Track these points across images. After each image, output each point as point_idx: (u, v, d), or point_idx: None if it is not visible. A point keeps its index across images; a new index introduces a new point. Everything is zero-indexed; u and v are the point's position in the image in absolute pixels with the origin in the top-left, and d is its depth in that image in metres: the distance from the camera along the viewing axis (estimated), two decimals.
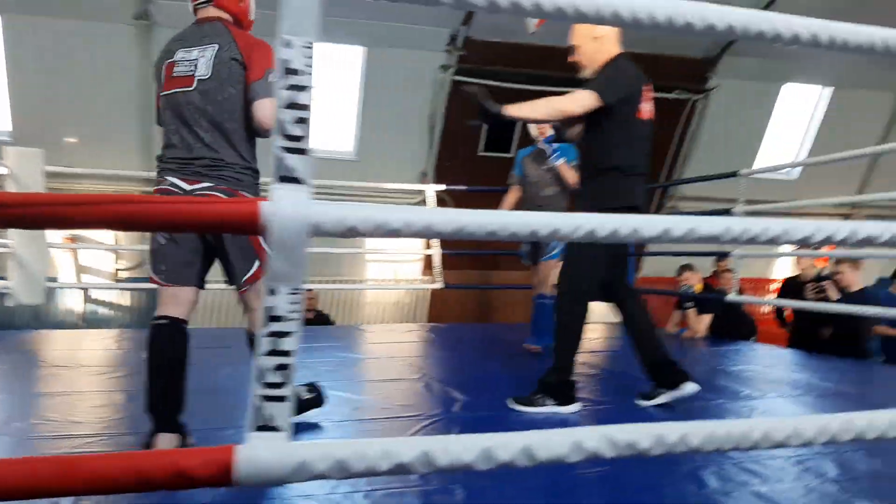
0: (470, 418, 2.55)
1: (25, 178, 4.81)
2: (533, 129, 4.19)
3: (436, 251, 5.80)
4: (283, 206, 0.83)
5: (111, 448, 2.11)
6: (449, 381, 3.18)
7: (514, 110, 2.56)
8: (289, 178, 0.84)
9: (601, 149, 2.63)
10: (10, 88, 6.77)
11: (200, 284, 2.12)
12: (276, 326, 0.85)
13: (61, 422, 2.39)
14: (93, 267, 8.24)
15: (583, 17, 0.92)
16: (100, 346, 4.36)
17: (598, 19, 0.93)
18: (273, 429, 0.86)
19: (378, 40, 7.18)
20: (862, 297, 4.40)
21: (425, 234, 0.89)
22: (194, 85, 2.03)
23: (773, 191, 8.00)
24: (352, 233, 0.86)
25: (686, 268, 5.59)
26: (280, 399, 0.86)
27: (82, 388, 2.97)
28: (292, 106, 0.83)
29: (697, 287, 5.49)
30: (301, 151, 0.84)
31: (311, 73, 0.84)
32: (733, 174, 4.92)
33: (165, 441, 1.88)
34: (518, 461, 0.93)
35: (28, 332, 6.37)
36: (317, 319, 7.41)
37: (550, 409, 2.64)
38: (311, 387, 2.40)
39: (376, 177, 6.99)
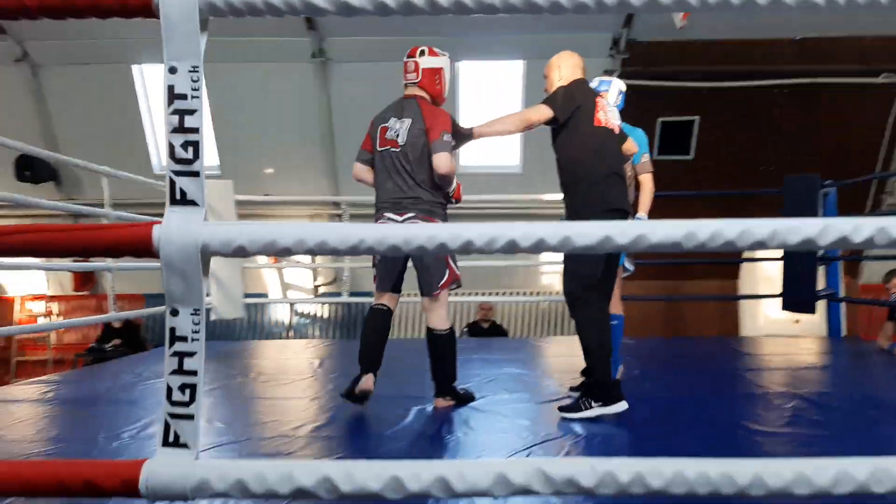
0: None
1: (219, 207, 5.45)
2: None
3: None
4: (172, 228, 0.85)
5: (316, 444, 2.35)
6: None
7: (485, 129, 2.85)
8: (181, 201, 0.86)
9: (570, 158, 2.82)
10: (216, 130, 7.76)
11: (398, 290, 2.99)
12: (180, 346, 0.87)
13: (270, 423, 2.67)
14: (296, 284, 9.12)
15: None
16: (303, 354, 4.67)
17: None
18: (182, 445, 0.88)
19: (538, 52, 7.12)
20: None
21: (319, 251, 0.85)
22: (399, 147, 2.84)
23: None
24: (241, 252, 0.86)
25: (895, 273, 4.79)
26: (187, 417, 0.88)
27: (288, 394, 3.24)
28: (179, 130, 0.85)
29: None
30: (192, 174, 0.86)
31: (199, 97, 0.86)
32: None
33: (368, 380, 2.75)
34: (432, 491, 0.85)
35: (245, 342, 7.25)
36: (491, 331, 7.49)
37: (597, 411, 2.62)
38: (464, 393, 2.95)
39: (541, 189, 6.91)
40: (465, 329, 7.70)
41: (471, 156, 8.03)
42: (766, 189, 6.24)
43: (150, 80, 7.95)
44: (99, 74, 7.64)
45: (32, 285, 9.06)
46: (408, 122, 2.84)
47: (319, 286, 9.25)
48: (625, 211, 2.79)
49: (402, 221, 2.79)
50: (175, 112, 0.85)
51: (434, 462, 0.86)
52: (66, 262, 6.97)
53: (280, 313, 9.14)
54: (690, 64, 7.36)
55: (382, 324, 2.90)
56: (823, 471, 0.84)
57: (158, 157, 8.28)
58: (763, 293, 7.64)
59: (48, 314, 8.95)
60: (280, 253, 0.86)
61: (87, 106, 7.86)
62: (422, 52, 2.92)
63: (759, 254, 7.51)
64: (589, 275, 2.68)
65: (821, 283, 5.71)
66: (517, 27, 7.16)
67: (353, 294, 6.52)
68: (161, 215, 0.88)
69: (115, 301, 4.86)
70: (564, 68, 2.95)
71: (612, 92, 3.50)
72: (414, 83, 2.93)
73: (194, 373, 0.87)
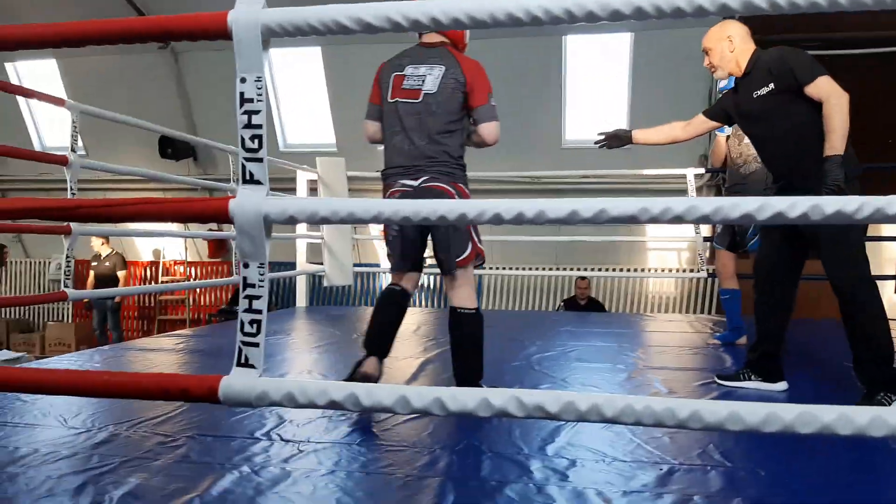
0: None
1: (332, 182, 5.90)
2: None
3: (697, 239, 5.51)
4: (243, 202, 1.13)
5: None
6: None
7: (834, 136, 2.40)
8: (251, 181, 1.14)
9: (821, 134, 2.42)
10: (332, 109, 8.26)
11: (419, 268, 2.62)
12: (249, 291, 1.16)
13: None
14: None
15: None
16: (408, 321, 4.90)
17: None
18: (250, 366, 1.17)
19: (645, 24, 7.02)
20: None
21: (348, 220, 1.10)
22: (420, 98, 2.42)
23: None
24: (292, 220, 1.12)
25: None
26: (254, 345, 1.17)
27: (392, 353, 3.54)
28: (248, 126, 1.13)
29: None
30: (258, 160, 1.13)
31: (262, 101, 1.13)
32: None
33: (371, 363, 2.41)
34: (432, 409, 1.09)
35: (355, 307, 7.80)
36: (589, 306, 7.58)
37: (754, 384, 2.71)
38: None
39: (651, 163, 6.84)
40: (562, 303, 7.82)
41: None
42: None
43: (276, 69, 8.55)
44: (234, 60, 8.33)
45: (177, 253, 10.11)
46: (439, 70, 2.41)
47: (427, 258, 9.67)
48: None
49: (419, 185, 2.42)
50: (245, 112, 1.12)
51: (432, 388, 1.09)
52: (202, 231, 7.80)
53: (389, 282, 9.66)
54: (808, 31, 6.97)
55: (396, 306, 2.55)
56: (754, 413, 1.00)
57: (283, 136, 8.94)
58: (888, 274, 7.21)
59: (188, 278, 9.96)
60: (320, 221, 1.11)
61: (222, 89, 8.62)
62: None
63: (885, 233, 7.07)
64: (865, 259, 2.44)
65: None
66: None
67: None
68: (281, 190, 1.15)
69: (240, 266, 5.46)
70: (737, 38, 2.63)
71: None
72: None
73: (260, 311, 1.16)
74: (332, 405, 1.12)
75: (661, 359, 3.48)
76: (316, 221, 1.13)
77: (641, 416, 1.02)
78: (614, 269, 8.39)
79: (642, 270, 8.66)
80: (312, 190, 5.99)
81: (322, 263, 5.82)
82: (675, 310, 8.57)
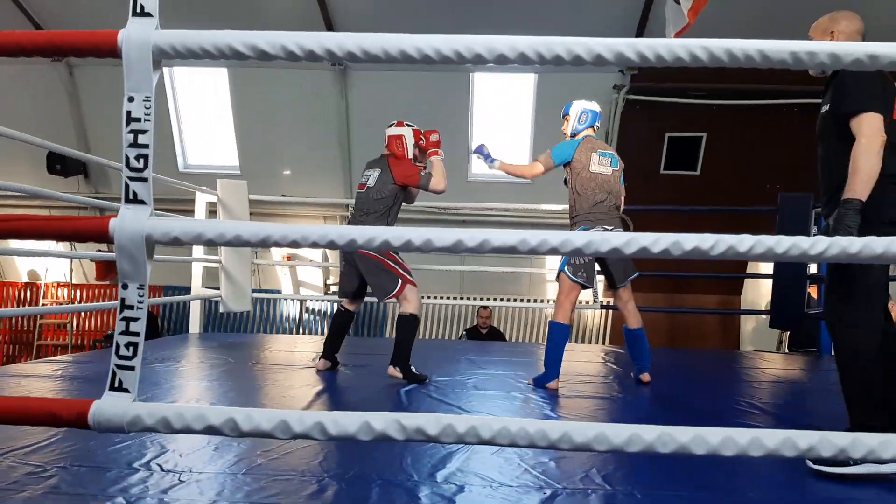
0: None
1: (233, 205, 5.75)
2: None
3: None
4: (125, 221, 1.10)
5: None
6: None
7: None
8: (134, 201, 1.12)
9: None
10: (237, 130, 8.11)
11: (359, 297, 3.80)
12: (127, 313, 1.13)
13: (266, 405, 2.92)
14: (308, 281, 9.43)
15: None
16: (309, 348, 4.86)
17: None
18: (124, 390, 1.13)
19: (550, 67, 7.35)
20: None
21: (235, 242, 1.10)
22: (365, 189, 3.70)
23: None
24: (177, 242, 1.11)
25: None
26: (129, 368, 1.13)
27: (287, 382, 3.48)
28: (134, 145, 1.11)
29: None
30: (142, 180, 1.12)
31: (150, 121, 1.12)
32: None
33: (321, 362, 3.76)
34: (312, 434, 1.09)
35: (252, 335, 7.56)
36: (490, 335, 7.71)
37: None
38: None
39: (552, 199, 7.10)
40: (464, 333, 7.92)
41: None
42: (768, 207, 6.35)
43: (178, 84, 8.33)
44: None
45: (60, 274, 9.51)
46: (377, 172, 3.64)
47: (331, 285, 9.56)
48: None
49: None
50: (131, 132, 1.11)
51: (313, 413, 1.10)
52: (89, 252, 7.40)
53: (291, 309, 9.46)
54: (698, 81, 7.53)
55: (341, 322, 3.84)
56: (620, 432, 1.06)
57: (184, 156, 8.67)
58: (761, 309, 7.78)
59: (72, 301, 9.37)
60: (206, 243, 1.11)
61: (117, 105, 8.27)
62: (389, 125, 3.71)
63: (761, 270, 7.67)
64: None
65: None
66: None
67: None
68: (179, 211, 1.13)
69: None
70: (842, 36, 2.31)
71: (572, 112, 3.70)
72: (385, 146, 3.71)
73: (137, 334, 1.13)
74: (210, 430, 1.10)
75: (562, 389, 3.59)
76: (202, 243, 1.12)
77: (516, 438, 1.07)
78: (516, 300, 8.60)
79: (542, 301, 8.92)
80: (212, 212, 5.83)
81: (219, 288, 5.64)
82: (574, 340, 8.86)
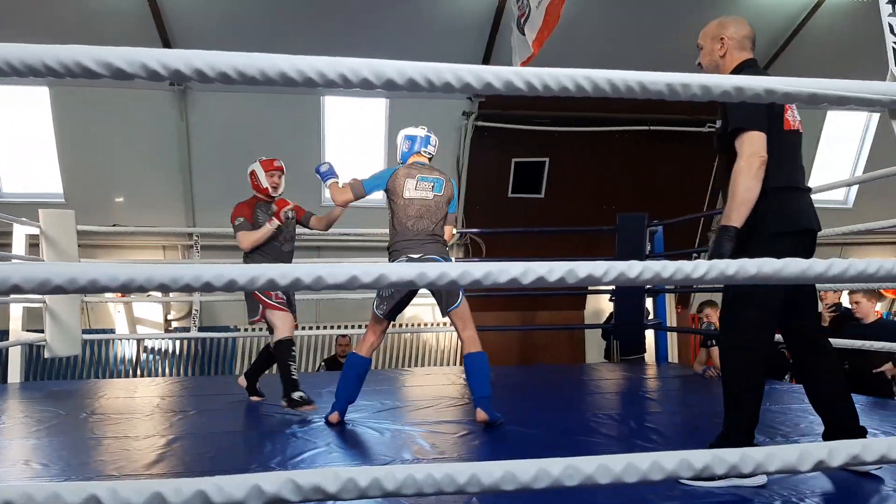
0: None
1: (58, 237, 5.18)
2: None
3: None
4: None
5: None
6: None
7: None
8: None
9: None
10: (60, 154, 7.36)
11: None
12: None
13: (108, 462, 2.59)
14: (147, 318, 8.69)
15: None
16: (150, 392, 4.46)
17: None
18: None
19: (398, 91, 7.41)
20: (878, 328, 4.10)
21: (89, 289, 0.94)
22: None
23: None
24: (16, 290, 0.93)
25: (707, 304, 5.38)
26: None
27: (130, 433, 3.12)
28: None
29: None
30: None
31: None
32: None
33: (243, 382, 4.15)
34: None
35: (83, 381, 6.80)
36: None
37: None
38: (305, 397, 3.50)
39: None
40: (323, 363, 7.69)
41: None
42: (608, 227, 6.76)
43: None
44: None
45: None
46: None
47: (172, 320, 8.88)
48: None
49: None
50: None
51: (194, 479, 0.96)
52: None
53: (127, 350, 8.66)
54: (542, 109, 7.94)
55: (263, 353, 4.19)
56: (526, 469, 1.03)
57: None
58: (597, 323, 8.29)
59: None
60: (53, 290, 0.94)
61: None
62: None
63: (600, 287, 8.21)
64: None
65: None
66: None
67: (202, 329, 6.34)
68: None
69: None
70: (731, 42, 2.26)
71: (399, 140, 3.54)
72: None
73: None
74: None
75: (422, 414, 3.55)
76: (47, 291, 0.94)
77: (423, 486, 0.99)
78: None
79: (405, 325, 8.88)
80: (33, 245, 5.21)
81: (43, 331, 5.04)
82: (435, 363, 8.90)
